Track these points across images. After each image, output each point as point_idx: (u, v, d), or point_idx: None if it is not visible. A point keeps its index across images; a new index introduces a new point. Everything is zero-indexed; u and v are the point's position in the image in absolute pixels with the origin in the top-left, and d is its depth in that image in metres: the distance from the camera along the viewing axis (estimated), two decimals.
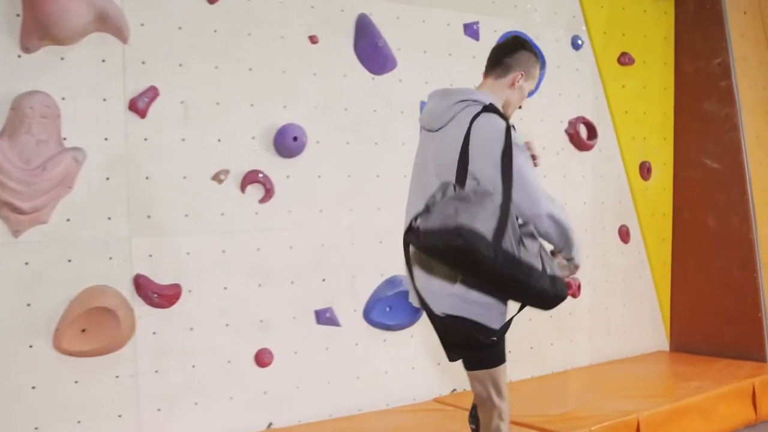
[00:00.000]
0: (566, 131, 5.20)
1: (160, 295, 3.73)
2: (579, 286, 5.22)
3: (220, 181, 3.93)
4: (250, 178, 3.98)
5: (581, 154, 5.27)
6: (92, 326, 3.53)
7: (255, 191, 4.03)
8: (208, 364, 3.90)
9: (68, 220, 3.57)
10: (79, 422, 3.58)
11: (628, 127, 5.47)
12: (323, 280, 4.24)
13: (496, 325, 2.69)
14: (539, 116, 5.05)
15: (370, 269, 4.38)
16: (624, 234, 5.48)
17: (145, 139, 3.75)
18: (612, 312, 5.45)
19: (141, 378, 3.73)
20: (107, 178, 3.66)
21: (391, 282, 4.40)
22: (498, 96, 2.84)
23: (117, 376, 3.67)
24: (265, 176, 4.02)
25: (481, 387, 2.83)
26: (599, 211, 5.38)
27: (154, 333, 3.76)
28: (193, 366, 3.86)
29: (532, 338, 5.00)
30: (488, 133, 2.64)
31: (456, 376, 4.40)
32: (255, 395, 4.02)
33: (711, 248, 5.42)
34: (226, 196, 3.95)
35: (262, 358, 4.02)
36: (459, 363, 2.88)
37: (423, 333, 4.43)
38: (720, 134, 5.35)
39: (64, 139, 3.55)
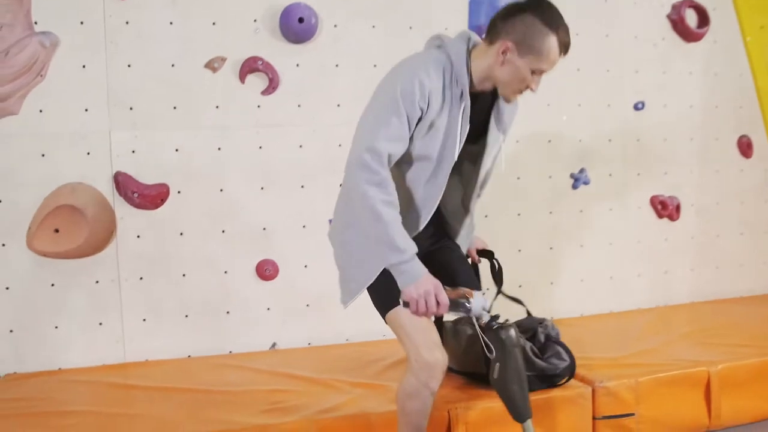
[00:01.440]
0: (668, 17, 4.23)
1: (141, 195, 3.38)
2: (678, 207, 4.32)
3: (215, 70, 3.47)
4: (249, 65, 3.49)
5: (688, 46, 4.29)
6: (64, 227, 3.26)
7: (257, 81, 3.54)
8: (200, 274, 3.53)
9: (41, 111, 3.28)
10: (56, 327, 3.36)
11: (756, 13, 4.38)
12: (341, 185, 3.69)
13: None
14: None
15: None
16: (745, 146, 4.46)
17: (127, 23, 3.35)
18: (724, 241, 4.49)
19: (123, 284, 3.43)
20: (84, 66, 3.32)
21: None
22: (480, 65, 2.22)
23: (97, 282, 3.39)
24: (266, 63, 3.51)
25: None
26: (711, 117, 4.39)
27: (138, 236, 3.43)
28: (183, 275, 3.51)
29: (612, 268, 4.22)
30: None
31: (504, 307, 3.77)
32: (256, 312, 3.61)
33: None
34: (222, 86, 3.49)
35: (264, 271, 3.59)
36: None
37: None
38: None
39: (35, 23, 3.23)
